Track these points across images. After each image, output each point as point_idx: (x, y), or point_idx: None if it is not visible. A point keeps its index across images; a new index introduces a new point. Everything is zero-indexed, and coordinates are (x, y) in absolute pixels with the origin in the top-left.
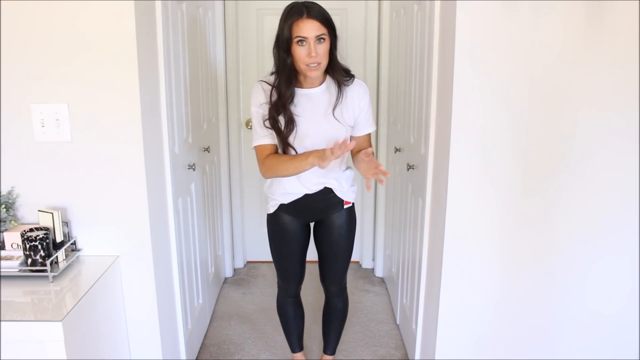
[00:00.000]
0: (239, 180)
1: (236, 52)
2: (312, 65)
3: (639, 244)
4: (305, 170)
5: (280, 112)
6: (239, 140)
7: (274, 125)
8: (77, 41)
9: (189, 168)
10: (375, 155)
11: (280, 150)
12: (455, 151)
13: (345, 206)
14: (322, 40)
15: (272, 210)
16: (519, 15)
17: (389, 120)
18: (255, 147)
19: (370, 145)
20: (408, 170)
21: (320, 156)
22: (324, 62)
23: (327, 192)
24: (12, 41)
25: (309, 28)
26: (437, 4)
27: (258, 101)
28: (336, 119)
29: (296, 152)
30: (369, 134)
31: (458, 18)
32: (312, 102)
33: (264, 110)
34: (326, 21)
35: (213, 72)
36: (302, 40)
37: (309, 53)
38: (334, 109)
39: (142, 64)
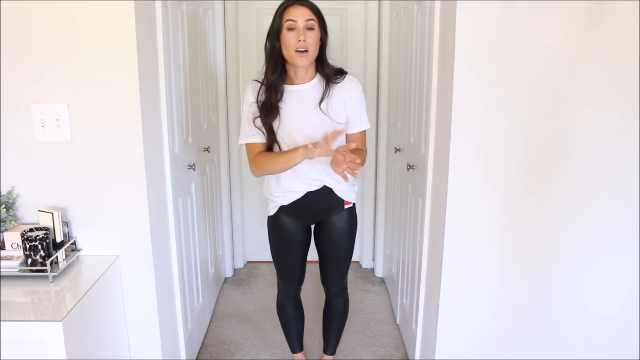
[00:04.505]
0: (239, 180)
1: (236, 52)
2: (300, 50)
3: (639, 244)
4: (296, 163)
5: (267, 104)
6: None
7: (264, 122)
8: (77, 41)
9: (189, 168)
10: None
11: (267, 146)
12: (455, 151)
13: (345, 207)
14: (311, 28)
15: (272, 212)
16: (519, 15)
17: (389, 120)
18: (245, 145)
19: (365, 145)
20: (408, 170)
21: (310, 148)
22: (312, 52)
23: (327, 192)
24: (12, 41)
25: (299, 13)
26: (437, 4)
27: (248, 100)
28: (323, 112)
29: (280, 148)
30: (364, 133)
31: (458, 18)
32: (301, 98)
33: (254, 108)
34: (316, 12)
35: (213, 72)
36: (292, 27)
37: (298, 37)
38: (320, 102)
39: (142, 64)
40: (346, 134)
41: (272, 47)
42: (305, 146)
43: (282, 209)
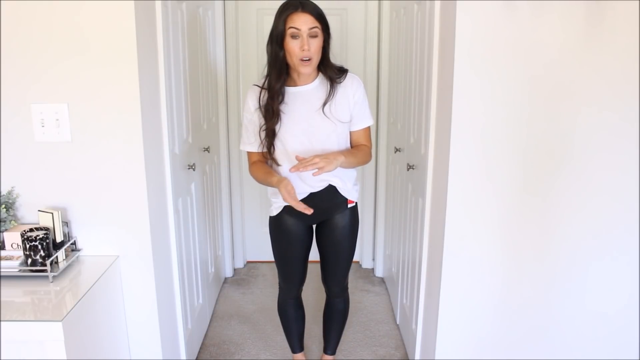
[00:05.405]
0: (239, 180)
1: (236, 52)
2: (304, 59)
3: (639, 244)
4: (274, 186)
5: (269, 109)
6: (239, 141)
7: (267, 125)
8: (77, 41)
9: (189, 168)
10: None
11: (266, 147)
12: (455, 151)
13: (349, 205)
14: (315, 35)
15: (275, 212)
16: (519, 15)
17: (389, 120)
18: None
19: (369, 140)
20: (408, 170)
21: (279, 183)
22: (316, 58)
23: (331, 191)
24: (12, 41)
25: (302, 21)
26: (437, 4)
27: (248, 108)
28: (325, 115)
29: (274, 150)
30: (368, 129)
31: (458, 18)
32: (304, 99)
33: (254, 116)
34: (320, 17)
35: (213, 72)
36: (295, 35)
37: (302, 46)
38: (323, 105)
39: (142, 64)
40: (350, 131)
41: (275, 53)
42: (283, 181)
43: (285, 209)
